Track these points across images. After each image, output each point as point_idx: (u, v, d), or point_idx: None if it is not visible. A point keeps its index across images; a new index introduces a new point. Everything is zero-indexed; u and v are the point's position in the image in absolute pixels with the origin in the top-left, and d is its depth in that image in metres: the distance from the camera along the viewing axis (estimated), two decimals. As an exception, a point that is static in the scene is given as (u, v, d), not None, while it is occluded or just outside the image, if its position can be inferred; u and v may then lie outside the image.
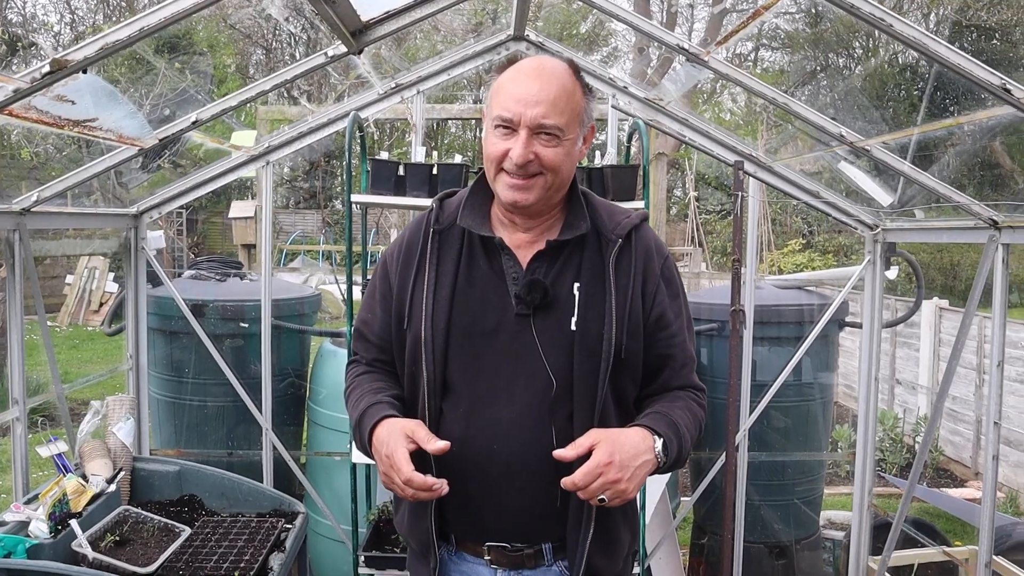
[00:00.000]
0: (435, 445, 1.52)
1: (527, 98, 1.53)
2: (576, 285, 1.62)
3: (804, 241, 16.29)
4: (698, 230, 13.18)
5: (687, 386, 1.73)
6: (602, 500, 1.49)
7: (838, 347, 8.36)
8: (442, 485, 1.52)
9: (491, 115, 1.59)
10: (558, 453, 1.51)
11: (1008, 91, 1.93)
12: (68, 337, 12.55)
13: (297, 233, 17.66)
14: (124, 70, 7.15)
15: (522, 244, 1.67)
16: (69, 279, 14.36)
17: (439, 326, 1.62)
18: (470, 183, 1.76)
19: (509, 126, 1.55)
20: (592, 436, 1.52)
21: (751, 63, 24.19)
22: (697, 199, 14.43)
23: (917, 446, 6.94)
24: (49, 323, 13.42)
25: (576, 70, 1.62)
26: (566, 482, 1.49)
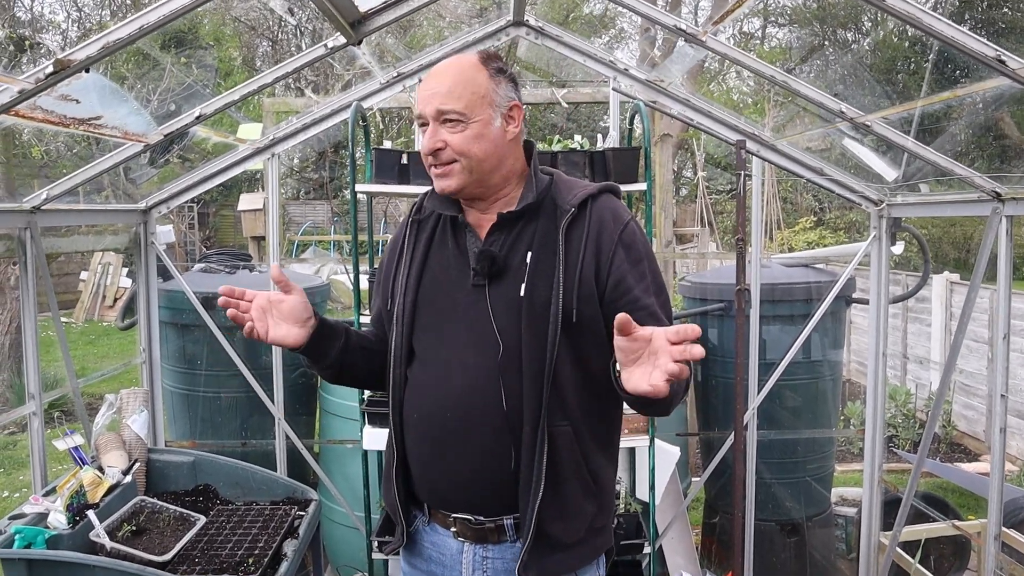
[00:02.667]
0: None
1: (427, 93, 1.69)
2: (529, 254, 1.70)
3: (815, 219, 16.19)
4: (707, 210, 13.12)
5: None
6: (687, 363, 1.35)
7: (847, 324, 8.34)
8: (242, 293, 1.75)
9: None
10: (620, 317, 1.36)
11: (1003, 62, 1.92)
12: (84, 333, 12.68)
13: (308, 224, 17.70)
14: (131, 66, 7.20)
15: (483, 222, 1.78)
16: (84, 275, 14.49)
17: (408, 300, 1.77)
18: None
19: (423, 121, 1.70)
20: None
21: (759, 40, 24.00)
22: (707, 180, 14.35)
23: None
24: (65, 319, 13.63)
25: (485, 58, 1.73)
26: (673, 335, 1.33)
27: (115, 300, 13.93)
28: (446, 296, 1.76)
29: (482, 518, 1.74)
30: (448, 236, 1.81)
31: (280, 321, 1.73)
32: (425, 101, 1.69)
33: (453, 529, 1.77)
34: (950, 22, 1.93)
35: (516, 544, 1.74)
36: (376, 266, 2.22)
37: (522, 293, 1.67)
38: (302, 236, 15.98)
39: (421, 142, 1.75)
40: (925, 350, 7.67)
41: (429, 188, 1.89)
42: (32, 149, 6.13)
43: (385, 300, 1.86)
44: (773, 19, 22.18)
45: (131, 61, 6.85)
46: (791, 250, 12.45)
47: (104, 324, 13.22)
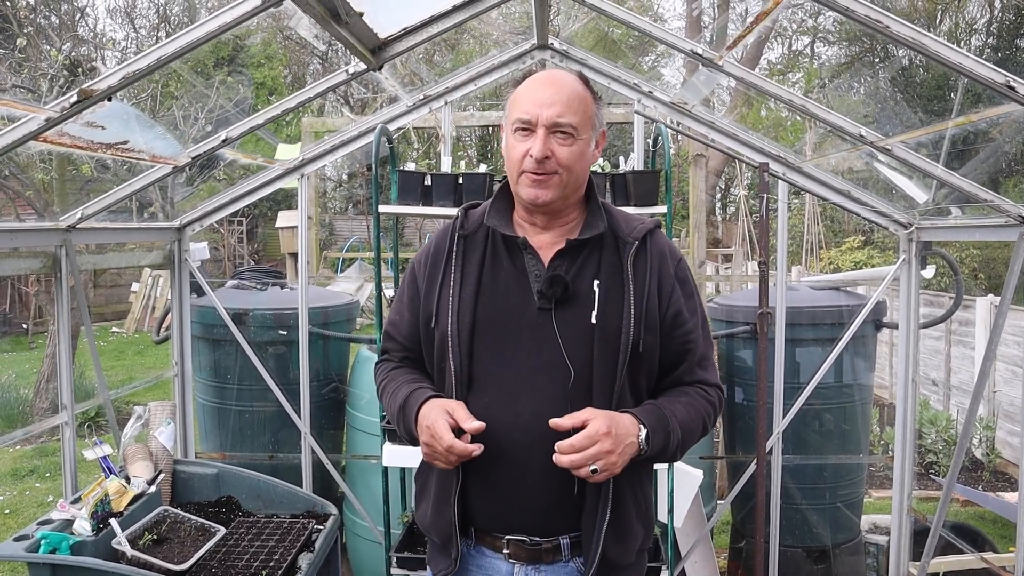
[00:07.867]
0: (472, 424, 1.62)
1: (543, 100, 1.67)
2: (596, 282, 1.71)
3: (863, 238, 15.90)
4: (751, 231, 13.00)
5: (698, 382, 1.80)
6: (595, 471, 1.56)
7: (890, 347, 8.12)
8: (478, 448, 1.62)
9: (510, 121, 1.73)
10: (554, 422, 1.59)
11: (1012, 88, 1.90)
12: (134, 342, 13.02)
13: (354, 239, 17.96)
14: (178, 87, 7.46)
15: (544, 244, 1.77)
16: (135, 287, 14.90)
17: (464, 321, 1.72)
18: (495, 191, 1.89)
19: (528, 127, 1.68)
20: (587, 411, 1.61)
21: (807, 57, 23.74)
22: (751, 199, 14.22)
23: (974, 449, 6.74)
24: (116, 329, 13.97)
25: (585, 80, 1.76)
26: (562, 445, 1.57)
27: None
28: (508, 319, 1.72)
29: (538, 539, 1.73)
30: (502, 256, 1.77)
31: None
32: (540, 106, 1.67)
33: (506, 551, 1.75)
34: (957, 48, 1.92)
35: (569, 564, 1.75)
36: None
37: (594, 320, 1.68)
38: (346, 253, 16.20)
39: (510, 148, 1.71)
40: (969, 375, 7.46)
41: (471, 204, 1.89)
42: (82, 166, 6.37)
43: (428, 318, 1.78)
44: (822, 36, 21.96)
45: (178, 81, 7.09)
46: (837, 270, 12.24)
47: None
